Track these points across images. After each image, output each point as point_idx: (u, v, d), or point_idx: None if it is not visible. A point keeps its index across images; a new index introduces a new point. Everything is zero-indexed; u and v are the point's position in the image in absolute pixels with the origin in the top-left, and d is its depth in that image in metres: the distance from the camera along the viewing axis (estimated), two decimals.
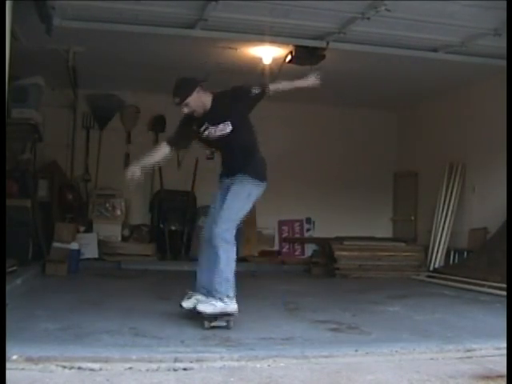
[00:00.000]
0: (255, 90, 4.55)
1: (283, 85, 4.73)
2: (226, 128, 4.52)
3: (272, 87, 4.66)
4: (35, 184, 8.74)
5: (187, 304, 4.64)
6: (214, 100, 4.56)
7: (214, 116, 4.53)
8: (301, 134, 10.47)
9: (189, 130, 4.69)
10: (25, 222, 7.65)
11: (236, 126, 4.53)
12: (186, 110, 4.51)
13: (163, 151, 4.73)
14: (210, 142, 4.72)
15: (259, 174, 4.60)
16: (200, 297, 4.60)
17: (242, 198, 4.53)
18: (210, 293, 4.47)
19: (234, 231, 4.50)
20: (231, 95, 4.58)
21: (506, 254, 5.85)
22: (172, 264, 9.12)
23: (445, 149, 9.61)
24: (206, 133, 4.57)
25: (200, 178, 9.73)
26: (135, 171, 4.54)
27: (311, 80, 4.69)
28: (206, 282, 4.57)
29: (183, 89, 4.51)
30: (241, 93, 4.57)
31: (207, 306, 4.37)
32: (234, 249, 4.47)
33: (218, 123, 4.52)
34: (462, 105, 9.31)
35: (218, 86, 4.57)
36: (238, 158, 4.58)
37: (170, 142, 4.74)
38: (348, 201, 10.62)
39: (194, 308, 4.46)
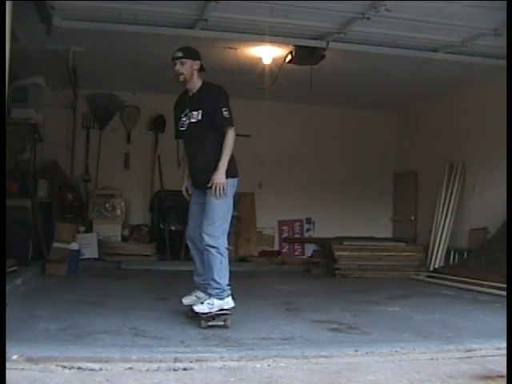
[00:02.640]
0: (226, 114, 4.50)
1: (226, 149, 4.48)
2: (198, 115, 4.57)
3: (229, 133, 4.51)
4: (35, 184, 8.74)
5: (187, 300, 4.70)
6: (201, 87, 4.66)
7: (195, 102, 4.62)
8: (301, 133, 10.48)
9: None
10: (25, 221, 7.64)
11: (205, 118, 4.55)
12: (177, 67, 4.60)
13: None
14: (184, 134, 4.70)
15: (229, 172, 4.54)
16: (199, 293, 4.64)
17: (220, 201, 4.50)
18: (206, 290, 4.50)
19: (225, 236, 4.52)
20: (214, 93, 4.60)
21: (506, 254, 5.85)
22: (172, 264, 9.10)
23: (445, 149, 9.61)
24: (185, 120, 4.62)
25: None
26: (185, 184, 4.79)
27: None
28: (203, 281, 4.64)
29: (189, 51, 4.69)
30: (221, 99, 4.55)
31: (203, 307, 4.39)
32: (226, 255, 4.49)
33: (196, 109, 4.58)
34: (462, 105, 9.32)
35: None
36: (204, 157, 4.55)
37: (177, 136, 4.89)
38: (348, 201, 10.63)
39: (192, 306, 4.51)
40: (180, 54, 4.63)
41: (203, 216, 4.51)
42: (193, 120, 4.59)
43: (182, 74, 4.60)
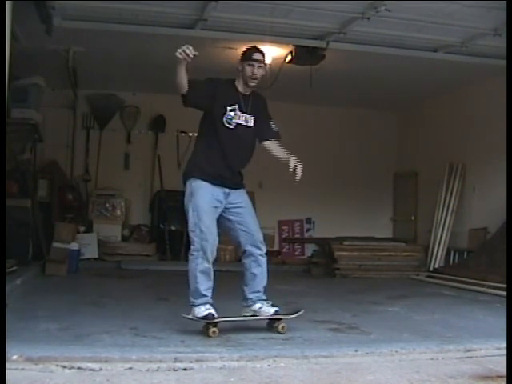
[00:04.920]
0: (274, 126, 4.65)
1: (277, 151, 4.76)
2: (251, 122, 4.45)
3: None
4: (35, 184, 8.75)
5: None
6: (252, 92, 4.48)
7: (250, 107, 4.43)
8: (301, 133, 10.44)
9: (207, 95, 4.36)
10: (25, 221, 7.65)
11: (255, 126, 4.48)
12: (256, 71, 4.34)
13: (184, 84, 4.31)
14: (228, 131, 4.41)
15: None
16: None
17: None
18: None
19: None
20: (264, 103, 4.58)
21: (506, 254, 5.84)
22: (172, 264, 9.08)
23: (445, 149, 9.61)
24: (234, 117, 4.37)
25: None
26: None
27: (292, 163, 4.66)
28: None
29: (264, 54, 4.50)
30: (268, 110, 4.62)
31: (270, 309, 4.35)
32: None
33: (246, 112, 4.40)
34: (462, 105, 9.32)
35: None
36: (245, 161, 4.59)
37: (185, 95, 4.32)
38: (348, 201, 10.62)
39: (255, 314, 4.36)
40: (262, 58, 4.39)
41: (242, 220, 4.36)
42: (242, 123, 4.39)
43: (257, 79, 4.37)
